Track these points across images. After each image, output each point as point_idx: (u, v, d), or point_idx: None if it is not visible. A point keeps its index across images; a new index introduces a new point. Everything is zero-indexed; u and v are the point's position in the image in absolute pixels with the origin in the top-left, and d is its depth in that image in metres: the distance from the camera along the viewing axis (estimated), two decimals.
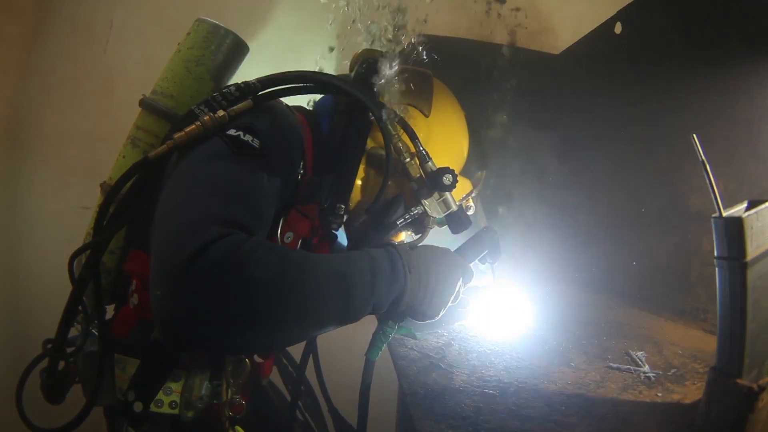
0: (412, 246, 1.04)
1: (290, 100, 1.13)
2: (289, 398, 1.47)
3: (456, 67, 1.57)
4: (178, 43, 1.20)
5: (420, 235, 1.31)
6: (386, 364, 1.30)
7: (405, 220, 1.23)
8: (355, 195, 1.24)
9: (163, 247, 0.80)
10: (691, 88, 1.63)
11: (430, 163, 1.22)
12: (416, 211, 1.24)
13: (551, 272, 2.11)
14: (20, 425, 1.11)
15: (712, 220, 0.83)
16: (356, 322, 0.92)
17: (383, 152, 1.15)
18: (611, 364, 1.27)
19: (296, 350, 1.37)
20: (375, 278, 0.91)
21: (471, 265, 1.14)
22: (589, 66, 2.12)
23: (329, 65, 1.77)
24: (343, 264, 0.89)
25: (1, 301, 2.43)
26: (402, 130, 1.21)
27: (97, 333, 1.06)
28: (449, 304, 1.04)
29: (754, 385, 0.78)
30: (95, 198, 1.21)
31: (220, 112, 0.98)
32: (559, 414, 1.02)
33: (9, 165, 2.40)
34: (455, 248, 1.16)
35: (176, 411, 1.09)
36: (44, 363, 1.15)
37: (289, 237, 1.12)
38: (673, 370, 1.22)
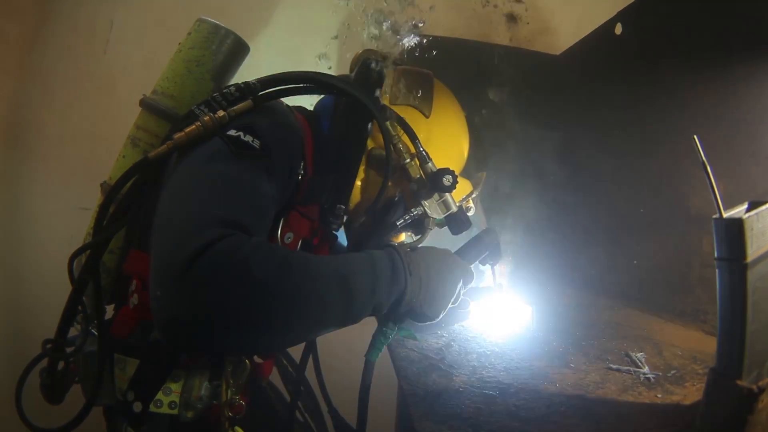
0: (412, 247, 1.04)
1: (291, 101, 1.13)
2: (288, 399, 1.47)
3: (456, 67, 1.57)
4: (179, 43, 1.20)
5: (420, 236, 1.31)
6: (386, 364, 1.30)
7: (405, 221, 1.23)
8: (355, 196, 1.24)
9: (163, 247, 0.79)
10: (691, 88, 1.63)
11: (430, 163, 1.22)
12: (416, 212, 1.24)
13: (551, 273, 2.11)
14: (20, 425, 1.11)
15: (712, 221, 0.83)
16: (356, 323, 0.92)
17: (383, 153, 1.15)
18: (611, 365, 1.27)
19: (296, 351, 1.37)
20: (376, 280, 0.91)
21: (471, 266, 1.14)
22: (590, 66, 2.12)
23: (330, 64, 1.77)
24: (344, 265, 0.89)
25: (1, 301, 2.43)
26: (402, 131, 1.21)
27: (96, 333, 1.05)
28: (450, 305, 1.04)
29: (754, 387, 0.78)
30: (95, 198, 1.21)
31: (220, 113, 0.98)
32: (559, 415, 1.02)
33: (9, 165, 2.40)
34: (456, 249, 1.16)
35: (176, 411, 1.09)
36: (44, 363, 1.15)
37: (289, 237, 1.12)
38: (672, 372, 1.22)
